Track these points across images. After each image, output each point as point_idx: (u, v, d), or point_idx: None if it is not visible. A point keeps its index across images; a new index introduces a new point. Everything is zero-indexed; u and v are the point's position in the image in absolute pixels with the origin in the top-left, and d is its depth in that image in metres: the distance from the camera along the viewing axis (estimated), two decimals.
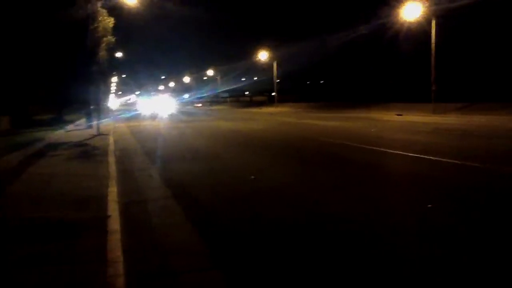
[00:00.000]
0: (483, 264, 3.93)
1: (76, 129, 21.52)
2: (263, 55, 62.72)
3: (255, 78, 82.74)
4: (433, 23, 32.84)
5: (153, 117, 35.69)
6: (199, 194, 7.02)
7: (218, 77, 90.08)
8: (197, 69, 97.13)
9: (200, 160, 11.11)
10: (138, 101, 79.17)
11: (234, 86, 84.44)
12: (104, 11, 23.78)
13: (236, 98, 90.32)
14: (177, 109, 57.88)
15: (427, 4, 32.92)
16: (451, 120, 24.92)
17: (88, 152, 12.12)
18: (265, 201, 6.50)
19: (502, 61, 37.14)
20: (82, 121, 24.77)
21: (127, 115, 42.02)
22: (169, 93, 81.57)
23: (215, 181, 8.07)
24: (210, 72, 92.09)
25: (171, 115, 39.29)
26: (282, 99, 62.33)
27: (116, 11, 25.75)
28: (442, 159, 9.82)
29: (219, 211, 6.02)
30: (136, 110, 55.75)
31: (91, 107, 23.33)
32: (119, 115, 40.99)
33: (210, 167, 9.69)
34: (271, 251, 4.39)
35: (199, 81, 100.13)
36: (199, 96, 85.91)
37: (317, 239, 4.71)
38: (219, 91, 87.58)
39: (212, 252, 4.32)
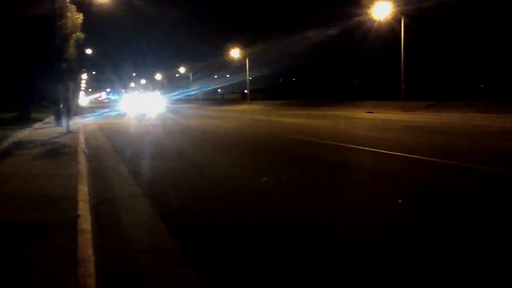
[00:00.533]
0: (457, 258, 4.10)
1: (45, 127, 21.01)
2: (235, 53, 62.72)
3: (227, 76, 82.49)
4: (402, 23, 33.58)
5: (131, 116, 32.50)
6: (171, 192, 7.00)
7: (190, 75, 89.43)
8: (169, 66, 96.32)
9: (168, 158, 11.03)
10: (122, 98, 69.38)
11: (211, 86, 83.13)
12: (73, 7, 23.29)
13: (207, 96, 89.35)
14: (167, 107, 49.62)
15: (396, 4, 33.69)
16: (418, 117, 25.57)
17: (56, 150, 11.86)
18: (239, 198, 6.54)
19: (468, 61, 38.29)
20: (50, 119, 24.18)
21: (106, 113, 37.43)
22: (158, 90, 74.55)
23: (188, 180, 8.05)
24: (182, 70, 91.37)
25: (148, 114, 35.51)
26: (255, 97, 62.41)
27: (85, 7, 25.28)
28: (410, 156, 10.12)
29: (192, 209, 6.02)
30: (117, 109, 44.55)
31: (60, 105, 22.82)
32: (91, 113, 37.48)
33: (181, 166, 9.66)
34: (245, 248, 4.42)
35: (170, 79, 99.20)
36: (173, 94, 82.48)
37: (296, 236, 4.80)
38: (192, 89, 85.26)
39: (184, 250, 4.33)
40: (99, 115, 35.17)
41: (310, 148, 12.41)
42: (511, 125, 18.91)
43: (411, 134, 15.96)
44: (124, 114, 35.59)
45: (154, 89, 76.39)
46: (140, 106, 44.00)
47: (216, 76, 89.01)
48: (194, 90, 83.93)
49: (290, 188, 7.23)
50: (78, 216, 5.11)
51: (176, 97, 76.66)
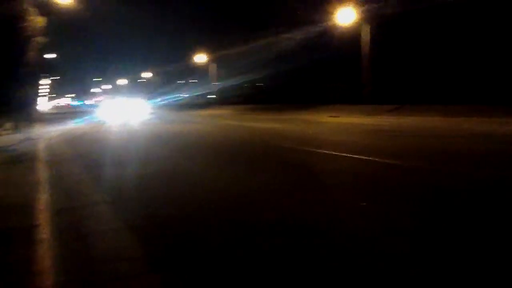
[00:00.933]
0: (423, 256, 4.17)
1: (3, 134, 20.26)
2: (201, 58, 62.76)
3: (195, 80, 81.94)
4: (366, 28, 34.47)
5: (109, 124, 29.56)
6: (136, 198, 6.84)
7: (157, 79, 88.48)
8: (134, 71, 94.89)
9: (135, 163, 10.80)
10: (101, 104, 61.82)
11: (195, 92, 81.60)
12: (34, 10, 22.62)
13: (187, 101, 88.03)
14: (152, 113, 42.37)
15: (360, 10, 34.52)
16: (382, 121, 26.13)
17: (15, 157, 11.47)
18: (224, 201, 6.44)
19: (433, 65, 39.27)
20: (9, 126, 23.31)
21: (75, 119, 34.50)
22: (143, 95, 69.20)
23: (155, 185, 7.88)
24: (147, 74, 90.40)
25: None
26: (223, 102, 62.61)
27: (48, 10, 24.59)
28: (374, 159, 10.28)
29: (160, 216, 5.87)
30: (93, 116, 38.86)
31: (21, 110, 22.11)
32: (55, 120, 34.98)
33: (149, 171, 9.48)
34: (214, 253, 4.35)
35: (134, 84, 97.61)
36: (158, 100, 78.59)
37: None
38: (177, 95, 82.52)
39: (149, 257, 4.23)
40: (65, 122, 33.38)
41: (290, 155, 12.23)
42: (465, 126, 19.48)
43: (374, 137, 16.22)
44: (102, 122, 32.03)
45: (137, 94, 71.76)
46: (122, 113, 38.55)
47: (182, 81, 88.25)
48: (179, 95, 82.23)
49: (278, 192, 7.10)
50: (37, 225, 4.92)
51: (160, 102, 74.19)
